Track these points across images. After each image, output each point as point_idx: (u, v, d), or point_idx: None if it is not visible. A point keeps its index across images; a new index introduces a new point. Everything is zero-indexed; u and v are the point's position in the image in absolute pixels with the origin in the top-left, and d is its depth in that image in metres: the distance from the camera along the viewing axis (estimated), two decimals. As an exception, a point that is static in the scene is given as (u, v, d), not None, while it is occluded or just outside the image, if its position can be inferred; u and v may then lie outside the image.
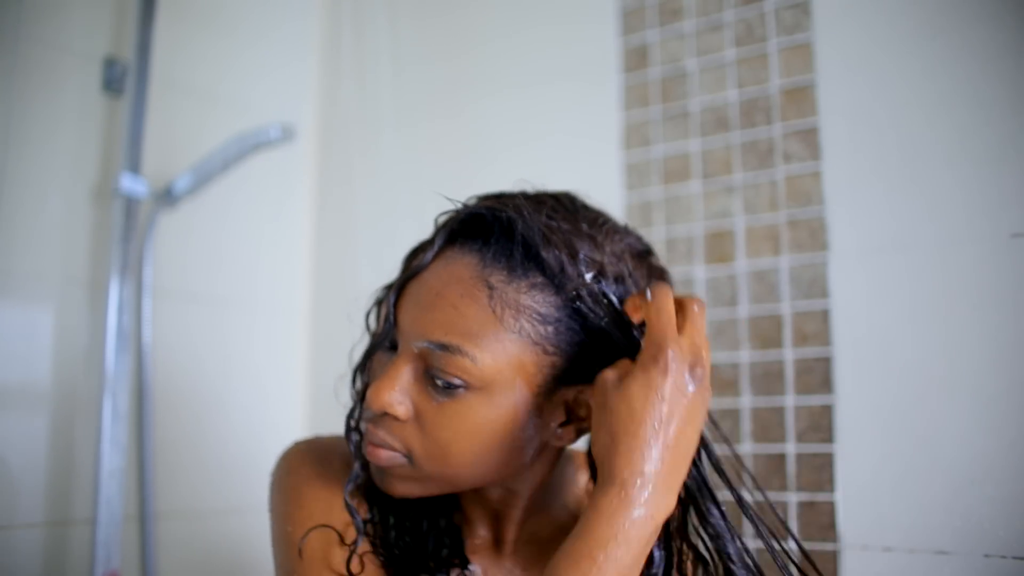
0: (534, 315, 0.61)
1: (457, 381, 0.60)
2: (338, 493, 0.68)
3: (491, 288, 0.61)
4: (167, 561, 1.17)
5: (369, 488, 0.70)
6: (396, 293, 0.64)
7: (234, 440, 1.29)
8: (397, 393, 0.62)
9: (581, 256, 0.62)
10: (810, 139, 0.99)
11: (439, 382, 0.61)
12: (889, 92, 0.94)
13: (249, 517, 1.28)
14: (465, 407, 0.61)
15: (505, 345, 0.60)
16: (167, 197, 1.15)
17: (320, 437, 0.78)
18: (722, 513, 0.61)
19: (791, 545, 0.65)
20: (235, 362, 1.31)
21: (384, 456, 0.64)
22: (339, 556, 0.65)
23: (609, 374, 0.60)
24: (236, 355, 1.31)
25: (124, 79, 1.15)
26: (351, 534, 0.66)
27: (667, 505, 0.56)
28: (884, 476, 0.89)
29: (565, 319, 0.62)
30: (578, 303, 0.61)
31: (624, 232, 0.69)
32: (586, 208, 0.69)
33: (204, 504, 1.23)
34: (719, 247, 1.03)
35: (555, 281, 0.61)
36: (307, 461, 0.72)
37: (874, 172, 0.94)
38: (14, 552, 1.01)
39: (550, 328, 0.61)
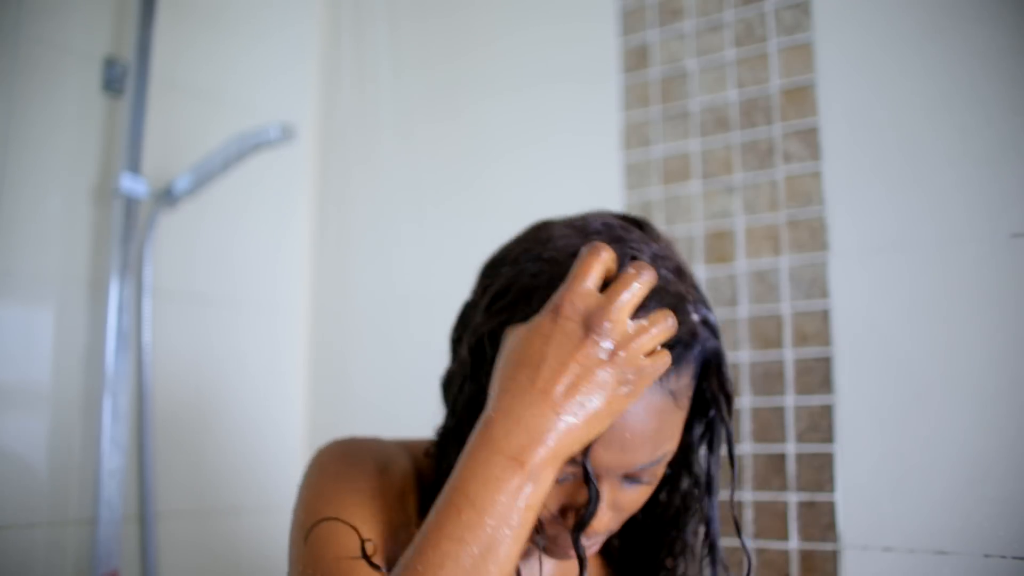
0: (691, 391, 0.64)
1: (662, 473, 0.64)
2: (361, 496, 0.68)
3: (674, 395, 0.62)
4: (167, 561, 1.17)
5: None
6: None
7: (234, 440, 1.29)
8: (612, 513, 0.63)
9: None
10: (810, 139, 0.99)
11: (645, 480, 0.63)
12: (889, 92, 0.94)
13: (249, 517, 1.28)
14: (655, 480, 0.65)
15: (682, 424, 0.65)
16: (167, 197, 1.15)
17: (356, 438, 0.77)
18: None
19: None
20: (235, 362, 1.31)
21: (598, 547, 0.67)
22: (349, 545, 0.64)
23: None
24: (236, 355, 1.31)
25: (124, 79, 1.15)
26: (366, 533, 0.66)
27: (525, 444, 0.54)
28: (884, 476, 0.89)
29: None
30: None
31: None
32: (679, 260, 0.69)
33: (204, 504, 1.23)
34: (719, 247, 1.04)
35: (696, 357, 0.63)
36: (338, 459, 0.72)
37: (874, 172, 0.94)
38: (14, 552, 1.01)
39: None
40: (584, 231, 0.64)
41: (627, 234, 0.64)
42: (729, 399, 0.65)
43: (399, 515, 0.70)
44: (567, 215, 0.69)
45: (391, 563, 0.66)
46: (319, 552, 0.64)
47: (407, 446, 0.77)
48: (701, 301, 0.64)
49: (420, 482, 0.73)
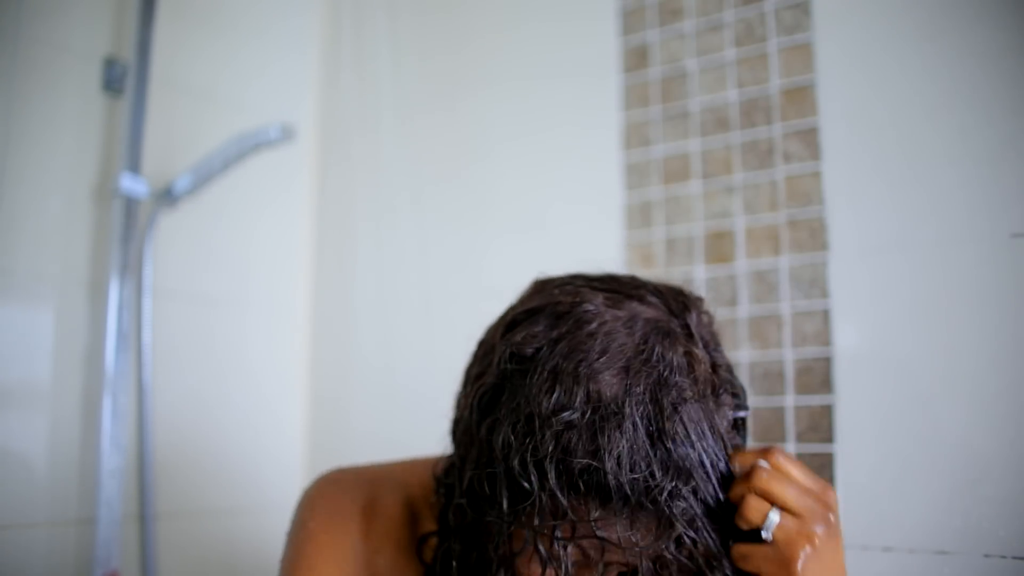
0: None
1: None
2: (347, 549, 0.68)
3: None
4: (167, 561, 1.17)
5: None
6: None
7: (234, 440, 1.29)
8: None
9: None
10: (810, 139, 0.99)
11: None
12: (889, 92, 0.94)
13: (249, 517, 1.28)
14: None
15: None
16: (167, 197, 1.15)
17: (345, 474, 0.75)
18: None
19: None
20: (235, 362, 1.31)
21: None
22: None
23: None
24: (236, 355, 1.31)
25: (124, 79, 1.15)
26: None
27: None
28: (884, 476, 0.89)
29: None
30: None
31: None
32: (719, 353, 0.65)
33: (204, 504, 1.23)
34: (719, 247, 1.03)
35: None
36: (325, 506, 0.71)
37: (874, 172, 0.94)
38: (14, 552, 1.01)
39: None
40: (632, 324, 0.59)
41: (675, 332, 0.60)
42: None
43: (389, 557, 0.69)
44: (603, 279, 0.64)
45: None
46: None
47: (400, 474, 0.75)
48: (734, 393, 0.62)
49: (412, 517, 0.71)
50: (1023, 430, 0.83)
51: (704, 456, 0.56)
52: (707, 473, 0.55)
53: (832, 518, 0.58)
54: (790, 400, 0.96)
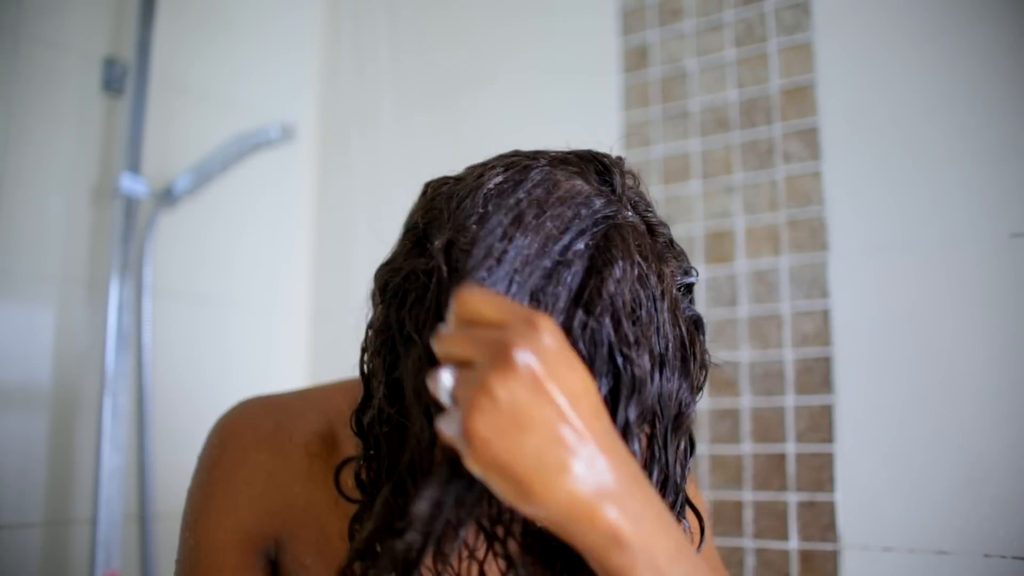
0: None
1: None
2: (266, 478, 0.65)
3: None
4: (167, 561, 1.17)
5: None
6: None
7: (234, 440, 1.29)
8: None
9: None
10: (810, 139, 0.99)
11: None
12: (889, 92, 0.94)
13: (249, 517, 1.28)
14: None
15: None
16: (167, 197, 1.15)
17: (258, 402, 0.71)
18: None
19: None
20: (235, 362, 1.31)
21: None
22: (230, 540, 0.64)
23: None
24: (236, 355, 1.31)
25: (124, 79, 1.15)
26: (268, 534, 0.64)
27: None
28: (884, 476, 0.89)
29: None
30: None
31: None
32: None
33: (204, 504, 1.23)
34: (719, 247, 1.03)
35: None
36: (231, 436, 0.68)
37: (874, 172, 0.94)
38: (14, 552, 1.01)
39: None
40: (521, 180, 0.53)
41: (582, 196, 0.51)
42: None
43: (306, 489, 0.65)
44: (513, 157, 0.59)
45: (306, 542, 0.63)
46: (202, 549, 0.66)
47: (318, 401, 0.70)
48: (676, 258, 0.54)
49: (331, 445, 0.67)
50: (1023, 430, 0.83)
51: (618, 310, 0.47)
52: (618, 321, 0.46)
53: (520, 348, 0.40)
54: (790, 400, 0.96)
